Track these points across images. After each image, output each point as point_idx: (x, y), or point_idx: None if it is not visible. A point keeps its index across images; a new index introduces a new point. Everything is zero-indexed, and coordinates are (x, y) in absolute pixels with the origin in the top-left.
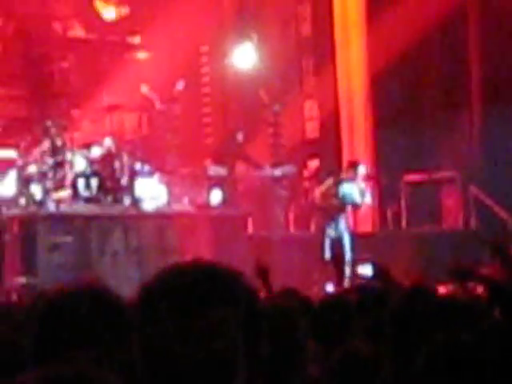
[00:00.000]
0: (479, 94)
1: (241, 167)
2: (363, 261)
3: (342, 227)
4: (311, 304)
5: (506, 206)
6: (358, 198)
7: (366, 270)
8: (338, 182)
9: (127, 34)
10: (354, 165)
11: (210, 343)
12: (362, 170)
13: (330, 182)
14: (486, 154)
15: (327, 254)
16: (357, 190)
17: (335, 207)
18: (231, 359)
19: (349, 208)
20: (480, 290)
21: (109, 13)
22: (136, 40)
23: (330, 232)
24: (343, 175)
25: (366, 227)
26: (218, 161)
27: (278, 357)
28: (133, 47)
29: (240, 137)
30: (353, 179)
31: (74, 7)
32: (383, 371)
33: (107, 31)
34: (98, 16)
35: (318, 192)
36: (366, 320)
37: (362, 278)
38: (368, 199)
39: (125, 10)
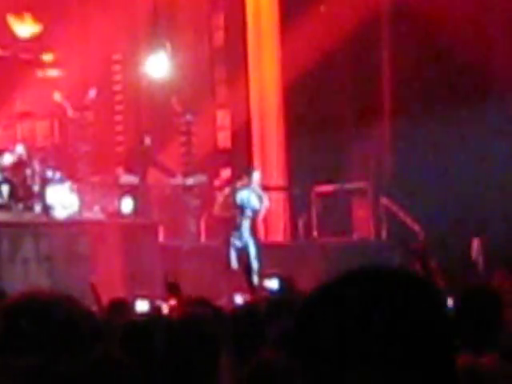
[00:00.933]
0: (389, 106)
1: (152, 175)
2: (270, 275)
3: (247, 236)
4: (223, 314)
5: (417, 218)
6: (256, 204)
7: (272, 283)
8: (234, 191)
9: (40, 51)
10: (247, 171)
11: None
12: (256, 175)
13: (226, 191)
14: (396, 166)
15: (233, 263)
16: (254, 195)
17: (237, 216)
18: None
19: (250, 215)
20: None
21: (22, 30)
22: (49, 57)
23: (235, 241)
24: (238, 183)
25: (277, 237)
26: (130, 169)
27: (190, 367)
28: (46, 65)
29: (148, 141)
30: (248, 185)
31: None
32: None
33: (20, 49)
34: (11, 33)
35: (216, 205)
36: (276, 330)
37: (269, 291)
38: (266, 202)
39: (38, 27)
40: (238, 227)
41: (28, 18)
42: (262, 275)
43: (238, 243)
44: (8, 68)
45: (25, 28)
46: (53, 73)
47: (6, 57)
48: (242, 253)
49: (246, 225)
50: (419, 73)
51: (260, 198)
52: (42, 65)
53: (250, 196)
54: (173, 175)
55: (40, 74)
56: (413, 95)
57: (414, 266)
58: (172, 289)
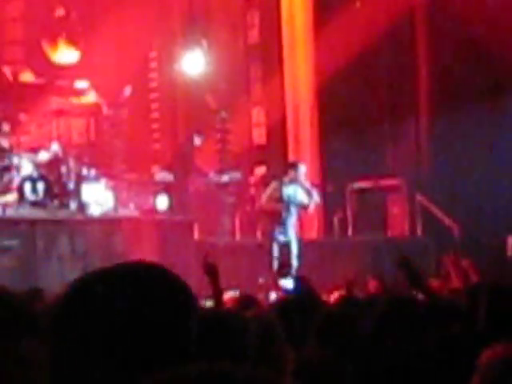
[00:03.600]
0: (426, 102)
1: (190, 173)
2: (284, 274)
3: (292, 233)
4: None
5: (452, 214)
6: (304, 198)
7: (287, 283)
8: (281, 185)
9: (76, 78)
10: (293, 165)
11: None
12: (302, 169)
13: (273, 185)
14: (432, 162)
15: (275, 261)
16: (301, 190)
17: (282, 211)
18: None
19: (297, 211)
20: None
21: (58, 57)
22: (84, 85)
23: (279, 237)
24: (285, 178)
25: (312, 234)
26: (169, 167)
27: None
28: (81, 92)
29: (198, 141)
30: (295, 180)
31: (24, 52)
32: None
33: (56, 76)
34: (47, 61)
35: (263, 197)
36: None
37: (284, 291)
38: (316, 198)
39: (73, 54)
40: (282, 222)
41: (62, 43)
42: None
43: (281, 238)
44: (44, 94)
45: (60, 54)
46: (89, 98)
47: (42, 84)
48: (284, 250)
49: (290, 221)
50: (456, 69)
51: (308, 193)
52: (78, 92)
53: (297, 191)
54: (206, 175)
55: (75, 100)
56: (450, 92)
57: (447, 264)
58: (210, 270)
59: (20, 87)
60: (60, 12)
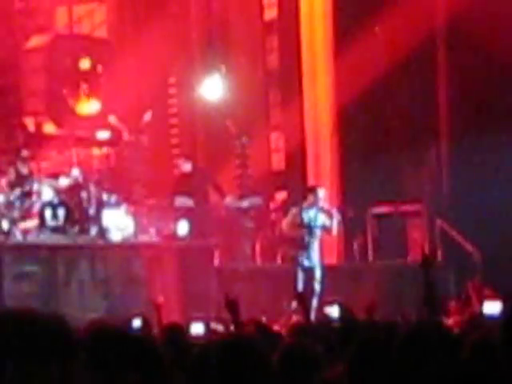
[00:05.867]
0: (447, 127)
1: (210, 197)
2: (330, 302)
3: (316, 257)
4: (280, 339)
5: (472, 239)
6: (326, 221)
7: (332, 310)
8: (301, 210)
9: (97, 128)
10: (312, 190)
11: None
12: (321, 193)
13: (293, 212)
14: (452, 187)
15: (300, 286)
16: (321, 213)
17: (305, 236)
18: None
19: (319, 234)
20: (450, 322)
21: (80, 108)
22: (105, 135)
23: (304, 261)
24: (305, 203)
25: (332, 259)
26: (181, 191)
27: None
28: (104, 143)
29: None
30: (314, 204)
31: (46, 103)
32: None
33: (78, 126)
34: (69, 112)
35: (284, 223)
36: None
37: (329, 319)
38: (338, 216)
39: (96, 105)
40: (306, 247)
41: (84, 94)
42: (323, 303)
43: (306, 263)
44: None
45: (82, 105)
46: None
47: (64, 135)
48: (308, 274)
49: (314, 245)
50: (477, 93)
51: (330, 215)
52: (100, 143)
53: (318, 215)
54: (224, 195)
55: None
56: (470, 116)
57: (467, 287)
58: (231, 307)
59: (42, 139)
60: (84, 64)
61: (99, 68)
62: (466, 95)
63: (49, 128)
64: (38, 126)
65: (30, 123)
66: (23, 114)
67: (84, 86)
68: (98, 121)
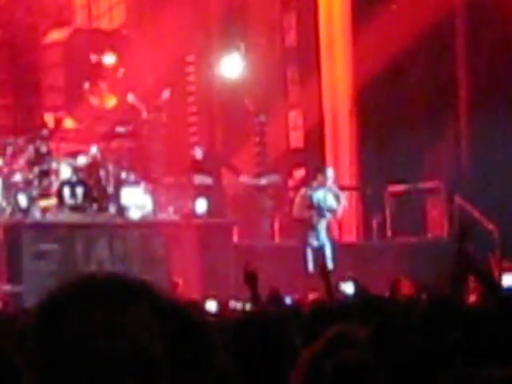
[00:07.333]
0: (465, 105)
1: (226, 176)
2: (345, 278)
3: (324, 236)
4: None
5: (491, 217)
6: (333, 203)
7: (347, 287)
8: (310, 191)
9: (116, 123)
10: (321, 170)
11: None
12: (329, 173)
13: (301, 193)
14: (471, 164)
15: (310, 265)
16: (330, 194)
17: (313, 216)
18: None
19: (327, 215)
20: (472, 298)
21: (99, 103)
22: (123, 129)
23: (313, 242)
24: (314, 182)
25: (351, 237)
26: (201, 169)
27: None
28: (122, 135)
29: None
30: (323, 184)
31: (65, 98)
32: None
33: (96, 122)
34: (88, 107)
35: (295, 205)
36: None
37: (344, 295)
38: (344, 201)
39: (115, 99)
40: (314, 227)
41: (103, 88)
42: (335, 276)
43: (315, 243)
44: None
45: (101, 101)
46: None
47: (82, 130)
48: (318, 253)
49: (322, 225)
50: (495, 70)
51: (337, 197)
52: (119, 136)
53: (327, 195)
54: (238, 173)
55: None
56: (488, 93)
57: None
58: (250, 279)
59: (62, 134)
60: (103, 58)
61: (118, 61)
62: (485, 72)
63: (68, 123)
64: (58, 121)
65: (49, 119)
66: (42, 109)
67: (102, 81)
68: (117, 115)
